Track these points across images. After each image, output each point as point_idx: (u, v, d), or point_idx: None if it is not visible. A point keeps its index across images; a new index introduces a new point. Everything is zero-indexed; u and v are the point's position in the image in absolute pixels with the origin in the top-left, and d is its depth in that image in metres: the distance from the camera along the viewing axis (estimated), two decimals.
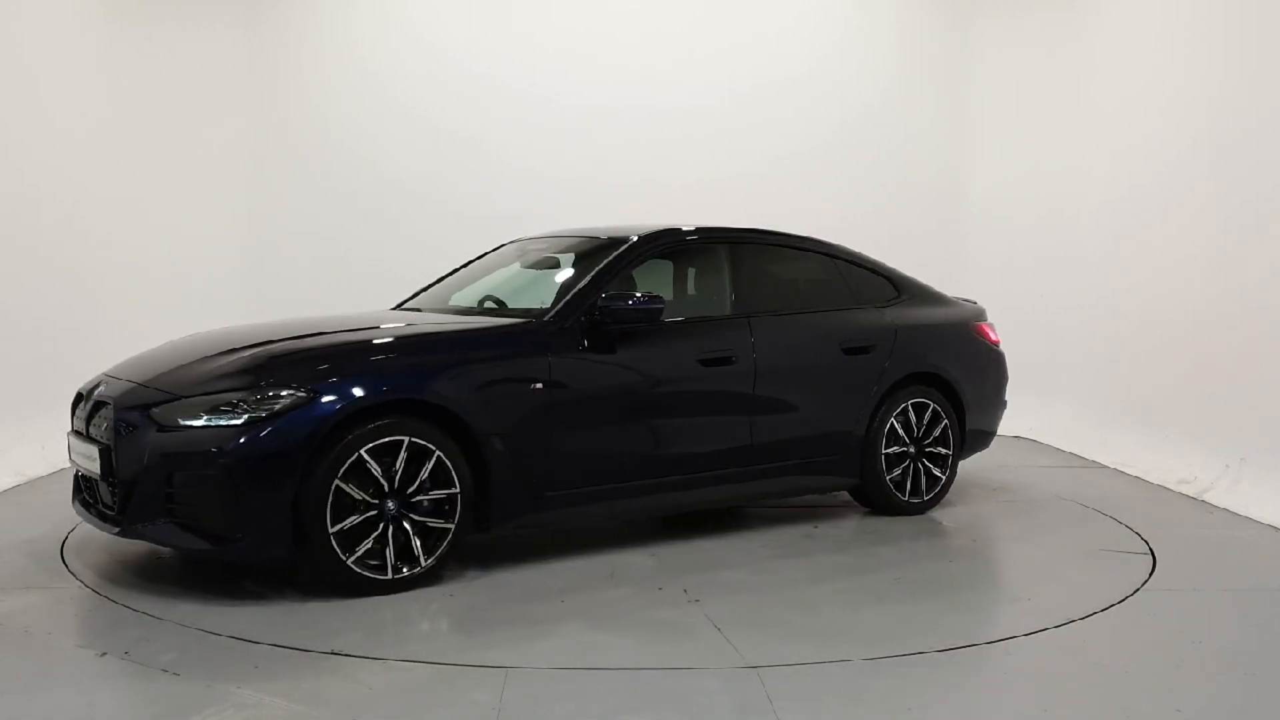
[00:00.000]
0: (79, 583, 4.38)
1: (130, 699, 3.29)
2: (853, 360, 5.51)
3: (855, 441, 5.51)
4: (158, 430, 4.08)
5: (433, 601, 4.20)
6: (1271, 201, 6.04)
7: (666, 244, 5.36)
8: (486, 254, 6.04)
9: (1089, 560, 4.98)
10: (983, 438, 6.14)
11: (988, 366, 6.10)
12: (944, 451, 5.79)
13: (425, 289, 5.93)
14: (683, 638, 3.84)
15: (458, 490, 4.30)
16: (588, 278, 4.95)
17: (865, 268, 5.87)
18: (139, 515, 4.12)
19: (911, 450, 5.68)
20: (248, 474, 3.97)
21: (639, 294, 4.81)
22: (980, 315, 6.25)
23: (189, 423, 4.05)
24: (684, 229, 5.44)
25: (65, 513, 5.45)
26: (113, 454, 4.19)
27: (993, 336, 6.19)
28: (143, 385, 4.34)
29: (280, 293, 8.70)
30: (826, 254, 5.78)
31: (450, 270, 6.09)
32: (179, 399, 4.13)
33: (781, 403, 5.28)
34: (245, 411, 4.02)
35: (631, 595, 4.33)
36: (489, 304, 5.32)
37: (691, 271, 5.65)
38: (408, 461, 4.20)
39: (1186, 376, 6.79)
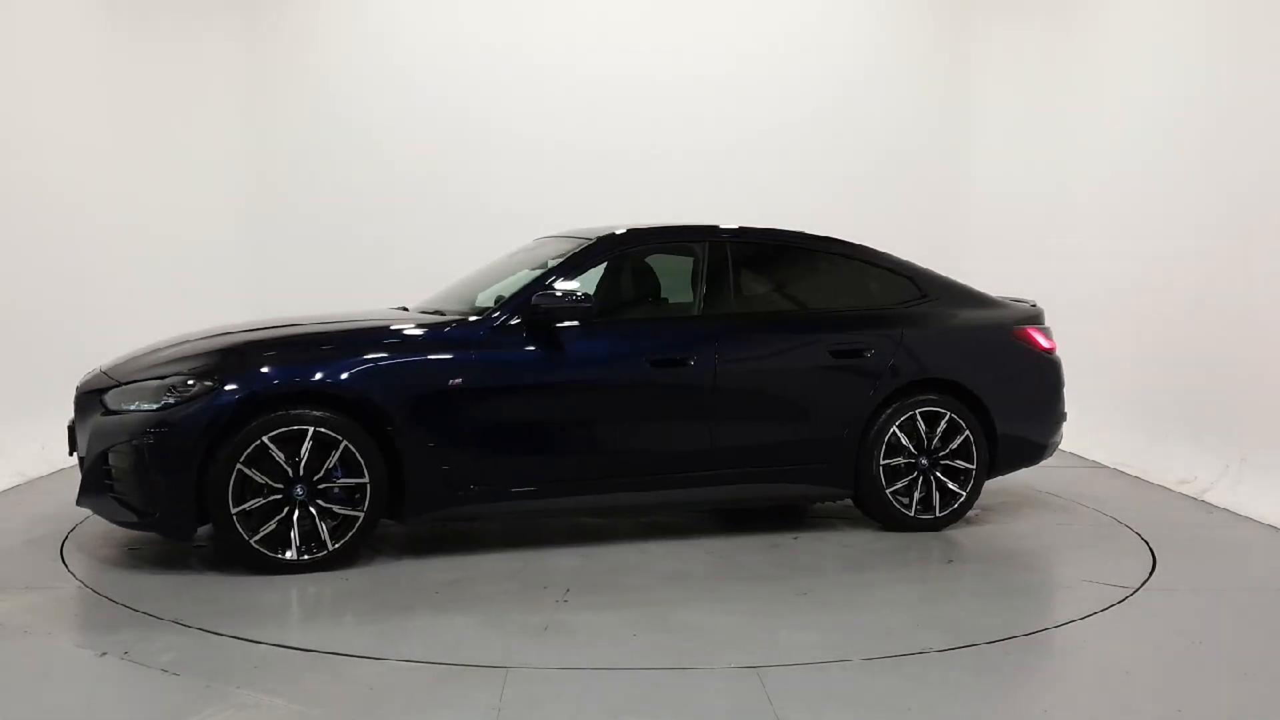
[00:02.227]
0: (79, 583, 4.38)
1: (130, 699, 3.29)
2: (842, 364, 5.23)
3: (846, 450, 5.22)
4: (102, 414, 4.52)
5: (327, 585, 4.38)
6: (1272, 201, 6.03)
7: (630, 245, 5.31)
8: (515, 253, 6.00)
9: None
10: (1026, 451, 5.64)
11: (1028, 374, 5.60)
12: (964, 465, 5.36)
13: (449, 287, 5.87)
14: (503, 636, 3.82)
15: (366, 480, 4.47)
16: (533, 278, 5.03)
17: (881, 267, 5.55)
18: (88, 489, 4.56)
19: (923, 462, 5.31)
20: (155, 455, 4.35)
21: (574, 293, 4.83)
22: (1026, 319, 5.71)
23: (125, 407, 4.47)
24: (653, 229, 5.41)
25: (65, 513, 5.46)
26: (74, 433, 4.72)
27: (1042, 342, 5.65)
28: (102, 373, 4.79)
29: (282, 291, 8.70)
30: (827, 252, 5.54)
31: (476, 269, 6.05)
32: (120, 386, 4.56)
33: (750, 406, 5.10)
34: (163, 398, 4.40)
35: (513, 592, 4.34)
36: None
37: (663, 271, 5.57)
38: (323, 450, 4.44)
39: (1186, 376, 6.78)
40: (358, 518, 4.51)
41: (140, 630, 3.81)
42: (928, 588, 4.58)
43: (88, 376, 4.87)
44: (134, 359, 4.84)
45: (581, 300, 4.81)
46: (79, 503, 4.62)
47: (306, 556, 4.46)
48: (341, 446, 4.45)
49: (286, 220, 9.05)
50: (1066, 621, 4.06)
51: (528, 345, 4.81)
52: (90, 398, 4.62)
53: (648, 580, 4.54)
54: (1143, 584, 4.55)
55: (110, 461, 4.45)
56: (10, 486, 6.14)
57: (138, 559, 4.74)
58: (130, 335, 6.15)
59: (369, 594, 4.31)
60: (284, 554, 4.43)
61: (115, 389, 4.55)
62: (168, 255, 8.52)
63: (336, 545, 4.50)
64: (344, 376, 4.51)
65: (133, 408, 4.44)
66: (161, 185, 8.50)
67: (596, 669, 3.52)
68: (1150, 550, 5.09)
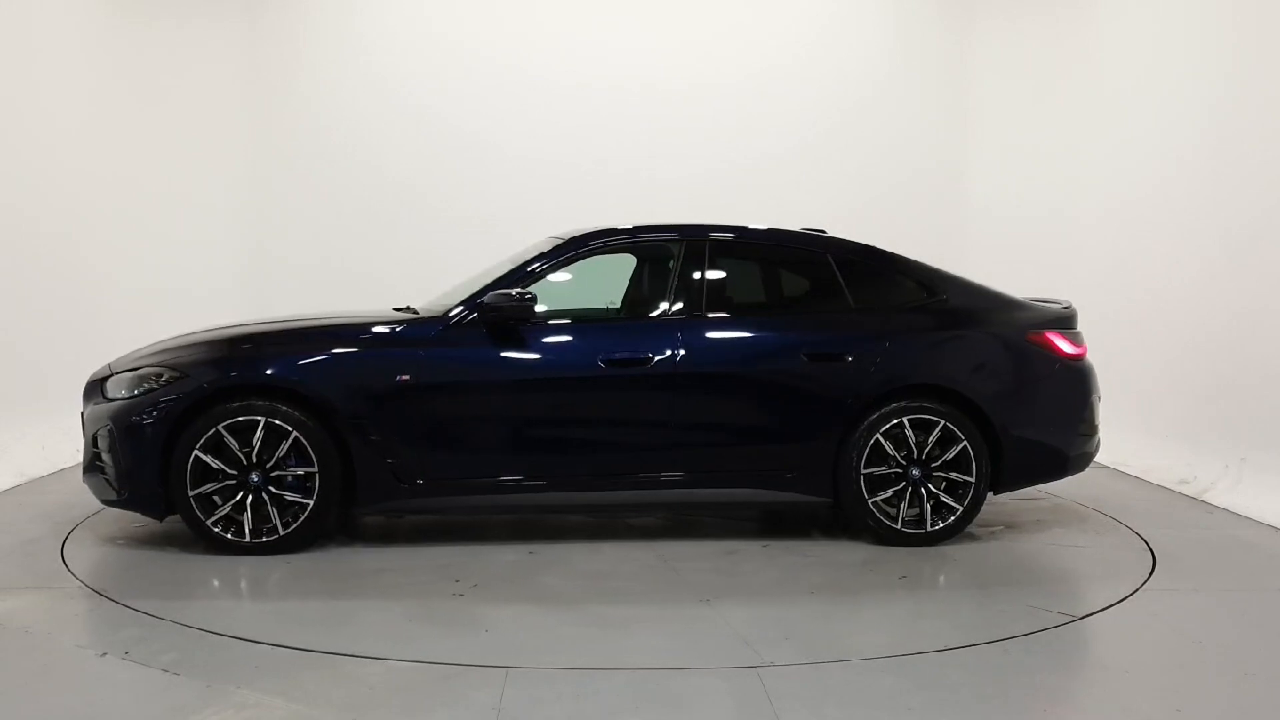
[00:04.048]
0: (79, 583, 4.38)
1: (130, 699, 3.29)
2: (820, 368, 5.03)
3: (824, 457, 5.02)
4: (98, 401, 4.92)
5: (263, 567, 4.64)
6: (1273, 201, 6.04)
7: (598, 245, 5.26)
8: (523, 252, 5.99)
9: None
10: (1043, 465, 5.27)
11: (1045, 382, 5.23)
12: (960, 478, 5.05)
13: (456, 286, 5.86)
14: (359, 626, 3.93)
15: (315, 469, 4.69)
16: (493, 277, 5.11)
17: (884, 268, 5.33)
18: (86, 469, 4.96)
19: (914, 473, 5.04)
20: (125, 438, 4.72)
21: (517, 292, 4.88)
22: (1045, 322, 5.31)
23: (113, 395, 4.86)
24: (621, 229, 5.36)
25: (65, 513, 5.48)
26: (84, 418, 5.05)
27: (1064, 348, 5.24)
28: (108, 365, 5.13)
29: (283, 292, 8.71)
30: (818, 252, 5.33)
31: (483, 268, 6.03)
32: (115, 375, 4.94)
33: (712, 408, 5.01)
34: (137, 388, 4.80)
35: (421, 584, 4.46)
36: None
37: (635, 271, 5.54)
38: (279, 440, 4.71)
39: (1186, 376, 6.79)
40: (307, 505, 4.74)
41: (140, 630, 3.82)
42: (848, 602, 4.33)
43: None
44: (134, 353, 5.15)
45: (525, 299, 4.87)
46: (83, 479, 5.00)
47: (258, 540, 4.73)
48: (292, 437, 4.70)
49: (287, 221, 9.07)
50: (1066, 621, 4.06)
51: (479, 344, 4.91)
52: (95, 386, 5.01)
53: (565, 579, 4.56)
54: (1143, 584, 4.55)
55: (98, 444, 4.85)
56: (10, 486, 6.14)
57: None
58: (130, 336, 6.17)
59: (296, 577, 4.52)
60: (237, 536, 4.73)
61: (110, 378, 4.96)
62: (168, 256, 8.53)
63: (287, 531, 4.75)
64: (293, 372, 4.78)
65: (118, 396, 4.83)
66: (161, 187, 8.51)
67: (596, 669, 3.52)
68: (1150, 550, 5.09)
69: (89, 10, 7.69)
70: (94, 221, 7.65)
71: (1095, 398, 5.35)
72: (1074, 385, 5.28)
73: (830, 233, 5.64)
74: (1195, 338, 6.71)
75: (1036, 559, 5.04)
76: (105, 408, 4.85)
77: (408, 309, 5.55)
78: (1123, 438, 7.27)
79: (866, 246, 5.46)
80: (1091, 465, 6.93)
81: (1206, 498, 6.16)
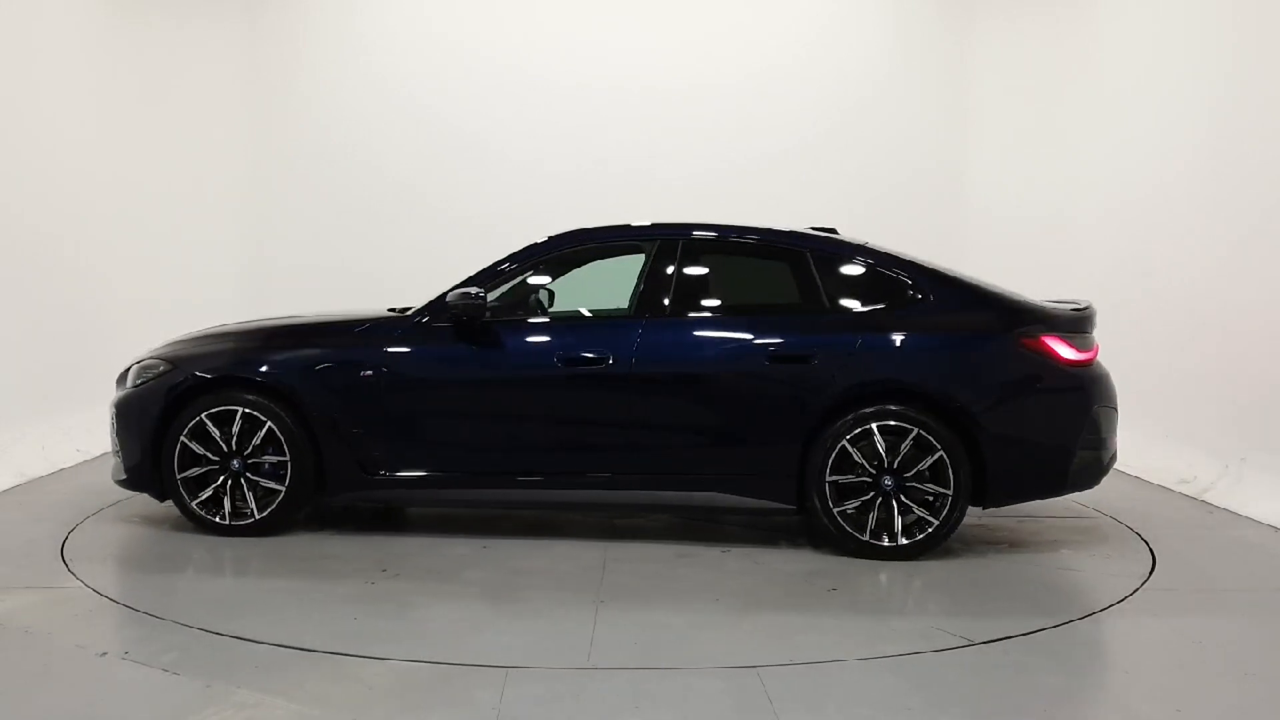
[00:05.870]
0: (79, 582, 4.38)
1: (130, 699, 3.29)
2: (783, 369, 4.86)
3: (787, 462, 4.86)
4: (121, 389, 5.28)
5: (234, 548, 4.91)
6: (1273, 201, 6.04)
7: (569, 247, 5.26)
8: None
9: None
10: (1038, 479, 4.93)
11: (1037, 390, 4.86)
12: (936, 489, 4.79)
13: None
14: (306, 605, 4.13)
15: (288, 458, 4.97)
16: (470, 276, 5.19)
17: (869, 266, 5.05)
18: (114, 451, 5.29)
19: (888, 483, 4.80)
20: (124, 425, 5.16)
21: (475, 292, 4.96)
22: (1043, 325, 4.89)
23: (126, 385, 5.26)
24: (595, 229, 5.34)
25: (65, 513, 5.49)
26: None
27: (1064, 353, 4.85)
28: (139, 355, 5.43)
29: (281, 291, 8.71)
30: (797, 250, 5.13)
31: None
32: (133, 365, 5.29)
33: (670, 410, 4.93)
34: (139, 378, 5.18)
35: (351, 571, 4.58)
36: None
37: (609, 271, 5.52)
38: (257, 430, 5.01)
39: (1186, 376, 6.79)
40: (280, 491, 5.02)
41: (140, 630, 3.82)
42: (739, 613, 4.13)
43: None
44: (156, 347, 5.46)
45: (480, 299, 4.95)
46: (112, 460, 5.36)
47: (235, 522, 5.05)
48: (266, 427, 4.99)
49: (287, 222, 9.08)
50: (1066, 621, 4.06)
51: (440, 342, 5.05)
52: (123, 375, 5.33)
53: (491, 574, 4.59)
54: (1143, 584, 4.55)
55: (113, 429, 5.22)
56: (10, 486, 6.14)
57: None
58: (130, 336, 6.17)
59: (247, 559, 4.75)
60: (218, 517, 5.05)
61: (131, 367, 5.29)
62: (168, 257, 8.53)
63: (262, 515, 5.04)
64: (267, 367, 5.06)
65: (129, 385, 5.22)
66: (162, 187, 8.51)
67: (596, 669, 3.52)
68: (1150, 550, 5.10)
69: (89, 10, 7.69)
70: (94, 222, 7.65)
71: (1100, 407, 4.98)
72: (1073, 394, 4.89)
73: (843, 233, 5.56)
74: (1195, 337, 6.71)
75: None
76: (119, 394, 5.24)
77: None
78: (1122, 437, 7.25)
79: (856, 245, 5.24)
80: None
81: (1206, 498, 6.16)
